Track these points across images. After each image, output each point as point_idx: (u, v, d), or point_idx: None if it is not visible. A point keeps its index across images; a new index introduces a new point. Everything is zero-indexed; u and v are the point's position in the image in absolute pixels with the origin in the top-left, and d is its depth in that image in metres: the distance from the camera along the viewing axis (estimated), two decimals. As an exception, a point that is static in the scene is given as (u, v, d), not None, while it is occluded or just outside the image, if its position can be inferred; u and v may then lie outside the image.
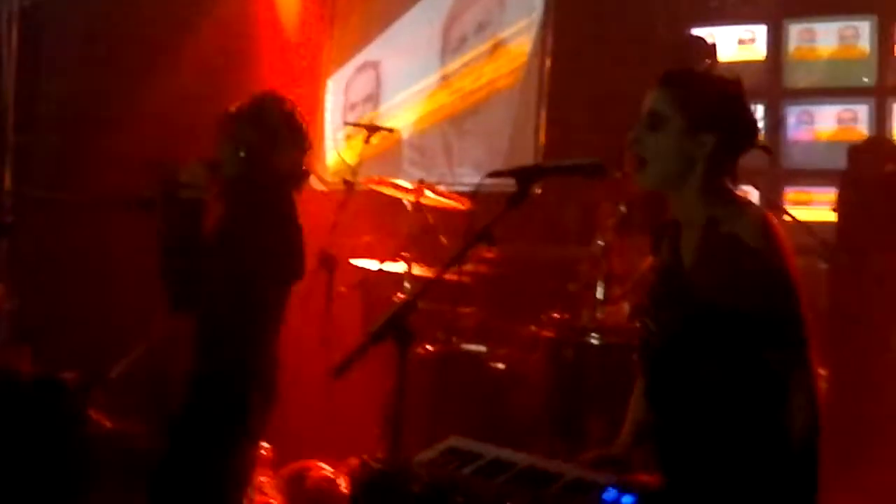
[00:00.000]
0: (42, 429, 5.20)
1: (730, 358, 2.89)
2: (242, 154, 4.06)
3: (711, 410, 2.93)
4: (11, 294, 6.35)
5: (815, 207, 6.82)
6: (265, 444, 5.75)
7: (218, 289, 3.96)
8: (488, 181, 3.18)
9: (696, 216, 2.99)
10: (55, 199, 7.00)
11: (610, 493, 2.78)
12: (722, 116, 2.97)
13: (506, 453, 3.07)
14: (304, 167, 4.22)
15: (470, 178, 7.70)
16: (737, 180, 3.04)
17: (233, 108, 4.16)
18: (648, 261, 4.02)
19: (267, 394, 4.09)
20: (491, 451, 3.10)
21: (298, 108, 4.25)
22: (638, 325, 3.20)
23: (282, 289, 4.14)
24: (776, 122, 7.01)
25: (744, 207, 2.96)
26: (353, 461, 5.70)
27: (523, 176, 3.11)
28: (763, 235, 2.86)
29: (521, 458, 3.04)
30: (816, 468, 2.81)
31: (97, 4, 7.65)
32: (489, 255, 6.40)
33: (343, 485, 5.78)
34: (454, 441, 3.19)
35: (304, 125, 4.23)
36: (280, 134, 4.13)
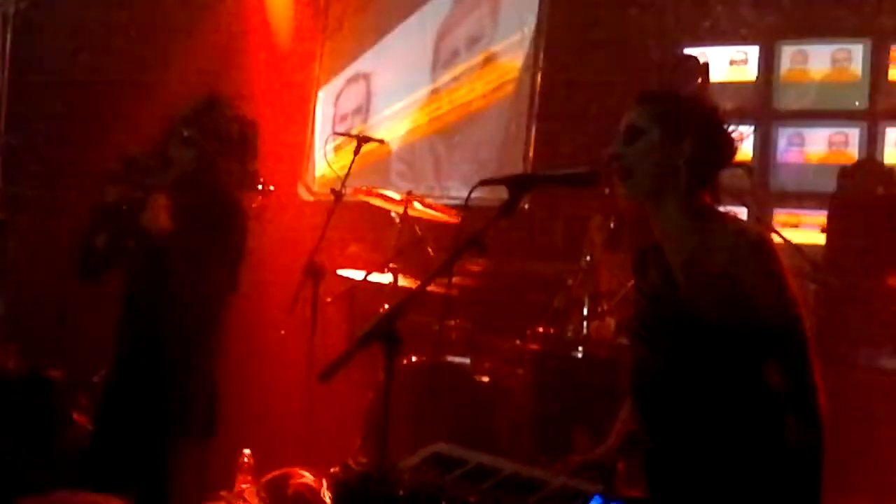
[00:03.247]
0: (28, 425, 5.17)
1: (729, 377, 2.88)
2: (191, 155, 4.13)
3: (712, 431, 2.91)
4: (-1, 291, 6.33)
5: (804, 230, 6.81)
6: (246, 451, 5.71)
7: (163, 284, 4.04)
8: (478, 191, 3.15)
9: (681, 233, 2.98)
10: (44, 197, 6.99)
11: (595, 502, 2.76)
12: (697, 127, 3.01)
13: (490, 460, 3.05)
14: (252, 175, 4.26)
15: (458, 191, 7.68)
16: (719, 199, 3.05)
17: (184, 110, 4.18)
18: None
19: (207, 395, 4.15)
20: (475, 457, 3.08)
21: (244, 114, 4.33)
22: (626, 344, 3.18)
23: (219, 298, 4.21)
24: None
25: (739, 227, 2.96)
26: (335, 469, 5.66)
27: (515, 184, 3.10)
28: (761, 255, 2.86)
29: (506, 464, 3.02)
30: (819, 483, 2.80)
31: (89, 8, 7.63)
32: (476, 268, 6.39)
33: (325, 493, 5.73)
34: (439, 447, 3.16)
35: (251, 132, 4.30)
36: (229, 139, 4.21)
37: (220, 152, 4.19)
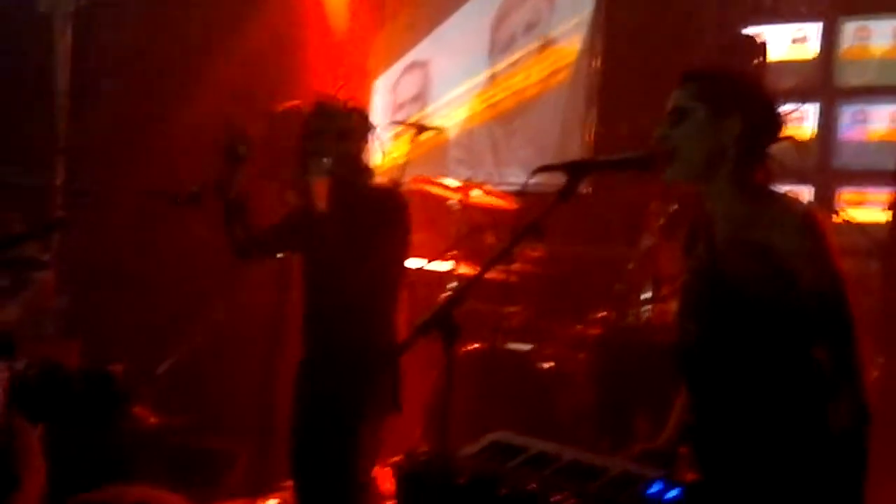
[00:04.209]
0: (90, 420, 5.26)
1: (773, 356, 2.86)
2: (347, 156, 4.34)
3: (755, 409, 2.89)
4: (62, 289, 6.40)
5: (868, 207, 6.71)
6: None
7: (340, 271, 4.26)
8: (537, 177, 3.15)
9: (731, 210, 2.96)
10: (106, 194, 7.06)
11: (656, 487, 2.75)
12: (743, 102, 2.98)
13: (551, 447, 3.05)
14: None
15: (517, 177, 7.65)
16: (771, 175, 3.01)
17: (311, 120, 4.40)
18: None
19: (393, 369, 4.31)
20: (536, 444, 3.08)
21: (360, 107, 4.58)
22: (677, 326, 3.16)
23: (395, 279, 4.42)
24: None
25: (787, 204, 2.93)
26: (398, 457, 5.68)
27: (573, 170, 3.09)
28: (807, 233, 2.82)
29: (567, 452, 3.02)
30: (864, 464, 2.77)
31: (148, 6, 7.70)
32: (535, 254, 6.39)
33: (385, 482, 5.76)
34: (499, 435, 3.17)
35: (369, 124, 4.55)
36: (361, 135, 4.45)
37: (353, 148, 4.41)
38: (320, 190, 4.28)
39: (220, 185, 4.40)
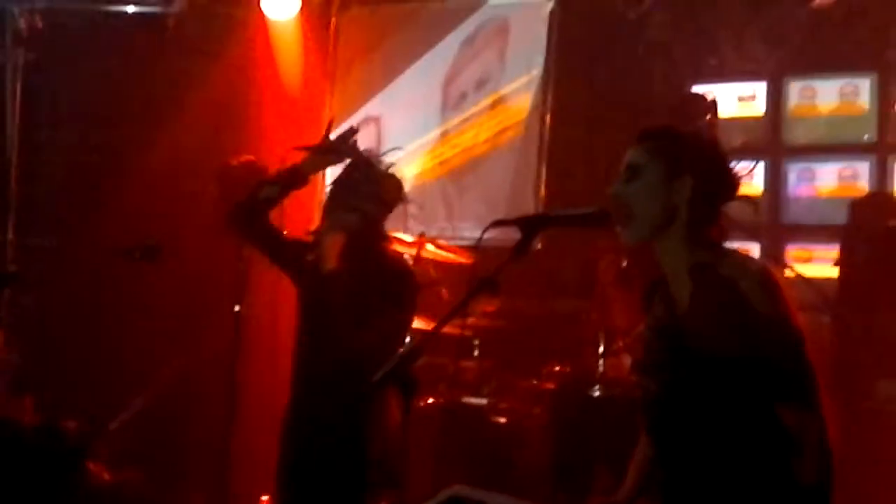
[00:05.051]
0: (43, 477, 5.19)
1: (736, 412, 2.87)
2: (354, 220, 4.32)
3: (720, 465, 2.90)
4: (13, 344, 6.34)
5: (816, 264, 6.80)
6: (264, 497, 5.70)
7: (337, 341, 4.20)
8: (491, 232, 3.16)
9: (683, 269, 2.97)
10: (58, 248, 7.02)
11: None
12: (697, 161, 2.98)
13: (509, 501, 3.04)
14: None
15: (471, 232, 7.68)
16: (724, 233, 3.03)
17: (341, 176, 4.46)
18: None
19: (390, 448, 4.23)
20: (493, 499, 3.07)
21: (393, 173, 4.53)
22: (637, 383, 3.17)
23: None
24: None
25: (742, 261, 2.96)
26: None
27: (528, 225, 3.11)
28: (764, 288, 2.85)
29: (526, 506, 3.02)
30: None
31: (100, 60, 7.69)
32: (490, 308, 6.40)
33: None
34: (456, 489, 3.16)
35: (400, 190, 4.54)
36: (387, 200, 4.43)
37: (381, 213, 4.42)
38: (334, 245, 4.27)
39: None
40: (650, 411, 3.07)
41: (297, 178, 4.55)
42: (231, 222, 4.57)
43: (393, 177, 4.45)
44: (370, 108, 8.83)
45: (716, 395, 2.87)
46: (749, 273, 2.88)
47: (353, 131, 4.60)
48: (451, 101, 8.41)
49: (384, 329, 4.22)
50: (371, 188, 4.35)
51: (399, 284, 4.36)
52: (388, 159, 4.49)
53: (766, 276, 2.87)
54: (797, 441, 2.78)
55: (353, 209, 4.31)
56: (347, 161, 4.52)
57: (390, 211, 4.45)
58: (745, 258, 3.00)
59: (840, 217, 6.63)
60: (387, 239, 4.54)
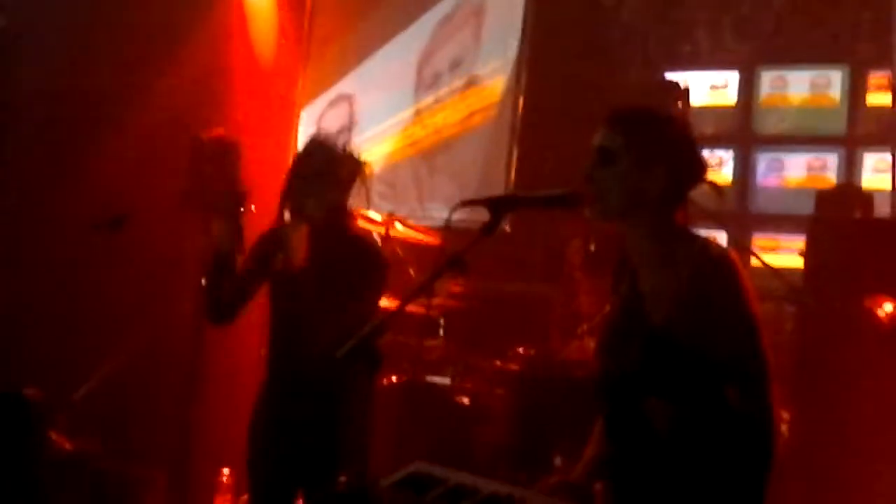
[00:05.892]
0: (4, 444, 5.17)
1: (689, 394, 2.89)
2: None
3: (665, 444, 2.92)
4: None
5: (783, 253, 6.86)
6: (225, 470, 5.71)
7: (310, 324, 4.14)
8: (460, 212, 3.16)
9: (651, 251, 3.00)
10: (25, 215, 6.99)
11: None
12: (669, 148, 2.99)
13: (469, 479, 3.05)
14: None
15: (440, 212, 7.68)
16: (689, 217, 3.06)
17: (301, 159, 4.34)
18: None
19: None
20: (455, 476, 3.08)
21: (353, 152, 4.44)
22: (597, 361, 3.19)
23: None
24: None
25: (705, 245, 2.98)
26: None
27: (497, 206, 3.11)
28: (726, 271, 2.87)
29: (485, 484, 3.03)
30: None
31: (71, 36, 7.65)
32: (457, 288, 6.41)
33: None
34: (419, 466, 3.17)
35: (362, 170, 4.45)
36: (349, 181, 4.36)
37: (340, 194, 4.33)
38: (299, 240, 4.23)
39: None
40: (604, 389, 3.09)
41: (223, 259, 4.34)
42: (218, 323, 4.48)
43: (350, 156, 4.37)
44: (343, 85, 8.83)
45: (672, 376, 2.89)
46: (712, 258, 2.90)
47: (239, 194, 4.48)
48: (426, 80, 8.40)
49: (361, 311, 4.11)
50: (326, 169, 4.27)
51: (368, 263, 4.33)
52: (343, 140, 4.43)
53: (728, 261, 2.89)
54: (744, 425, 2.81)
55: (307, 195, 4.25)
56: (303, 147, 4.45)
57: (349, 189, 4.36)
58: (709, 243, 3.02)
59: (807, 208, 6.66)
60: (352, 217, 4.48)
